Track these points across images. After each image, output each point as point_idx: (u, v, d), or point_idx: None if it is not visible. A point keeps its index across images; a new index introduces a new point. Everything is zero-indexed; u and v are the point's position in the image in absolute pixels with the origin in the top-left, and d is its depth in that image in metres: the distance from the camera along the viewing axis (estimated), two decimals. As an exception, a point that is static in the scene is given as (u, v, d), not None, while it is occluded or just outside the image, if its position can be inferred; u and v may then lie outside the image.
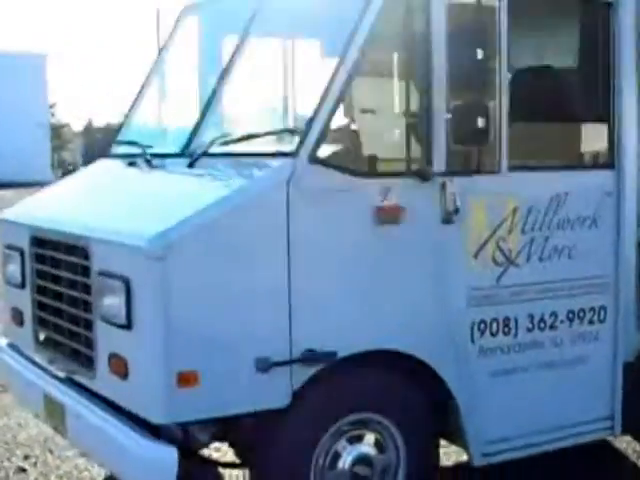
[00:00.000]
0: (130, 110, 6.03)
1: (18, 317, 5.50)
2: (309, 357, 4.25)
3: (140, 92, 6.01)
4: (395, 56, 4.62)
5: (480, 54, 4.34)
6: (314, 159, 4.25)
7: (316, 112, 4.28)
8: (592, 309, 5.15)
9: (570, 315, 5.07)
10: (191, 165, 4.74)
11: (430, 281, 4.62)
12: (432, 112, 4.51)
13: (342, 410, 4.46)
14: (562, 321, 5.05)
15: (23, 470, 5.87)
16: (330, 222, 4.31)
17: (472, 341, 4.77)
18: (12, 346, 5.68)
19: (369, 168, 4.44)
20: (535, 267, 4.92)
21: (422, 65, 4.51)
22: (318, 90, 4.34)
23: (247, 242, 4.12)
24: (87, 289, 4.52)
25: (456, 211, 4.57)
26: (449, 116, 4.45)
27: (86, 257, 4.49)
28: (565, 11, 5.16)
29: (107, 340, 4.38)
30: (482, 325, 4.79)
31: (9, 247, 5.51)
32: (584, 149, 5.30)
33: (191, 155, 4.80)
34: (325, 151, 4.30)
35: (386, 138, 4.65)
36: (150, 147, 5.38)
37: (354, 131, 4.67)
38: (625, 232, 5.19)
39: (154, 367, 4.05)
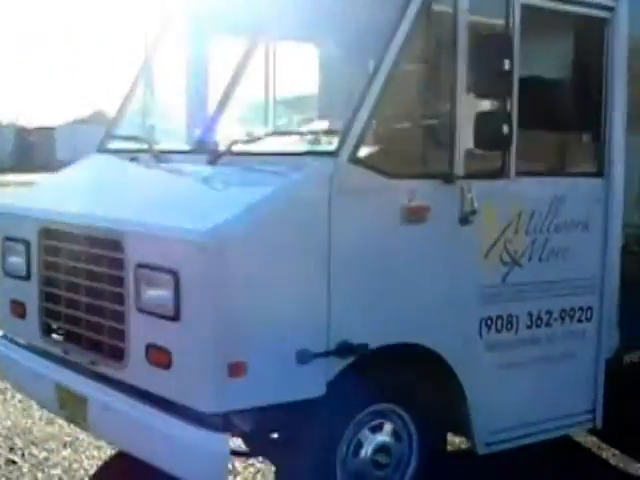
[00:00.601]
0: (121, 107, 6.08)
1: (19, 309, 5.49)
2: (344, 349, 4.43)
3: (131, 90, 6.07)
4: (424, 63, 4.83)
5: (499, 65, 4.61)
6: (353, 159, 4.43)
7: (356, 113, 4.45)
8: (581, 308, 5.49)
9: (562, 313, 5.41)
10: (212, 162, 4.86)
11: (448, 279, 4.86)
12: (455, 118, 4.76)
13: (367, 401, 4.66)
14: (556, 319, 5.38)
15: (13, 462, 5.84)
16: (364, 220, 4.50)
17: (480, 336, 5.04)
18: (5, 337, 5.68)
19: (400, 169, 4.64)
20: (535, 267, 5.22)
21: (447, 73, 4.76)
22: (356, 92, 4.54)
23: (292, 238, 4.27)
24: (118, 281, 4.59)
25: (473, 213, 4.83)
26: (472, 122, 4.70)
27: (118, 250, 4.56)
28: (563, 26, 5.48)
29: (144, 331, 4.45)
30: (489, 321, 5.06)
31: (10, 239, 5.51)
32: (578, 158, 5.64)
33: (210, 152, 4.92)
34: (363, 152, 4.49)
35: (414, 141, 4.85)
36: (155, 143, 5.48)
37: (386, 133, 4.85)
38: (611, 237, 5.56)
39: (205, 358, 4.15)
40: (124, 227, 4.55)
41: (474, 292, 4.98)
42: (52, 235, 5.14)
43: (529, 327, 5.25)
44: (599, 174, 5.52)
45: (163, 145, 5.49)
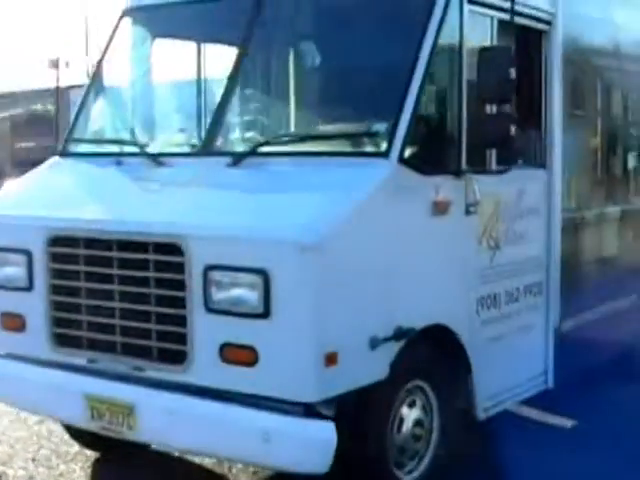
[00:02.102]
0: (80, 111, 6.03)
1: (15, 322, 5.35)
2: (400, 333, 4.81)
3: (88, 94, 6.04)
4: (443, 65, 5.27)
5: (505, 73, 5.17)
6: (400, 159, 4.82)
7: (399, 115, 4.84)
8: (535, 284, 6.19)
9: (525, 289, 6.08)
10: (235, 164, 5.05)
11: (460, 264, 5.37)
12: (462, 117, 5.26)
13: (408, 379, 5.06)
14: (520, 295, 6.04)
15: None
16: (406, 216, 4.91)
17: (478, 314, 5.59)
18: None
19: (428, 166, 5.06)
20: (508, 250, 5.85)
21: (457, 77, 5.25)
22: (395, 93, 4.92)
23: (365, 235, 4.61)
24: (176, 284, 4.67)
25: (475, 204, 5.37)
26: (478, 122, 5.21)
27: (176, 253, 4.64)
28: (508, 36, 6.11)
29: (216, 331, 4.59)
30: (482, 300, 5.62)
31: (3, 250, 5.34)
32: (531, 152, 6.31)
33: (233, 154, 5.10)
34: (406, 152, 4.88)
35: (436, 139, 5.27)
36: (145, 146, 5.55)
37: (418, 132, 5.22)
38: (553, 220, 6.30)
39: (303, 351, 4.38)
40: (186, 231, 4.64)
41: (475, 274, 5.52)
42: (66, 243, 5.08)
43: (506, 303, 5.87)
44: (543, 166, 6.24)
45: (153, 148, 5.57)
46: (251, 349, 4.50)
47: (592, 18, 6.68)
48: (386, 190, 4.73)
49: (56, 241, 5.13)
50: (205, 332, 4.63)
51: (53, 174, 5.77)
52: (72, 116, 6.06)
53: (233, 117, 5.47)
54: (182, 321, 4.70)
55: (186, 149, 5.70)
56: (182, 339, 4.71)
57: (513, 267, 5.93)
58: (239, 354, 4.54)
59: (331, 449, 4.38)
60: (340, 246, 4.46)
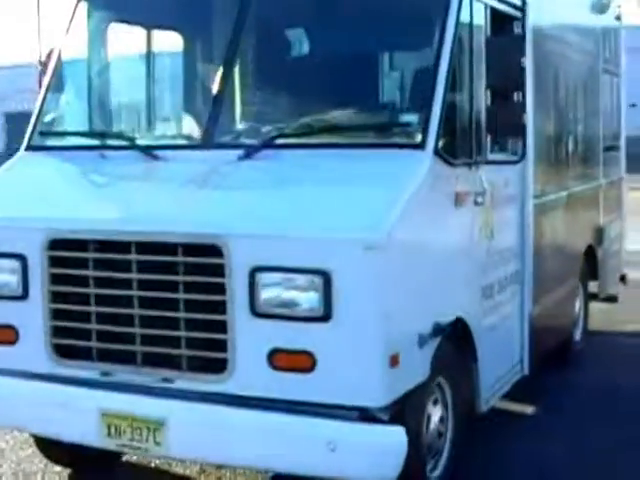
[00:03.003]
0: (43, 102, 5.53)
1: (7, 334, 4.86)
2: (438, 330, 4.70)
3: (51, 85, 5.56)
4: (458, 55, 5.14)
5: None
6: (434, 150, 4.68)
7: (432, 105, 4.69)
8: (516, 272, 6.21)
9: (509, 278, 6.08)
10: (247, 156, 4.77)
11: (471, 255, 5.30)
12: (475, 107, 5.17)
13: (436, 375, 4.94)
14: (506, 283, 6.04)
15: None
16: (439, 208, 4.80)
17: (481, 304, 5.53)
18: None
19: (452, 158, 4.95)
20: (498, 239, 5.82)
21: (468, 66, 5.15)
22: (425, 83, 4.79)
23: (416, 230, 4.48)
24: (215, 288, 4.36)
25: (483, 194, 5.31)
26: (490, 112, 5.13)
27: (215, 255, 4.32)
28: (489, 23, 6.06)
29: (265, 337, 4.31)
30: (484, 290, 5.58)
31: None
32: (512, 146, 6.26)
33: (245, 147, 4.81)
34: (439, 143, 4.74)
35: (455, 130, 5.13)
36: (133, 138, 5.17)
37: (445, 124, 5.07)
38: (527, 207, 6.33)
39: (368, 354, 4.18)
40: (228, 230, 4.33)
41: (480, 265, 5.46)
42: (69, 246, 4.64)
43: (498, 293, 5.86)
44: (520, 159, 6.23)
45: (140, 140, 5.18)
46: (308, 354, 4.25)
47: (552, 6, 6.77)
48: (427, 183, 4.59)
49: (56, 244, 4.68)
50: (251, 338, 4.33)
51: (30, 170, 5.26)
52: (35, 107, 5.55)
53: (235, 107, 5.15)
54: (221, 327, 4.38)
55: (181, 141, 5.30)
56: (221, 346, 4.39)
57: (501, 256, 5.92)
58: (293, 360, 4.28)
59: (402, 454, 4.21)
60: (399, 243, 4.29)
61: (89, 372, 4.71)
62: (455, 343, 5.16)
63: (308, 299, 4.20)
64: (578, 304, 8.18)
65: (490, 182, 5.47)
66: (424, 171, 4.58)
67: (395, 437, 4.22)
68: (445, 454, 5.18)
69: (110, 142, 5.27)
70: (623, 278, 9.83)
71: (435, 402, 5.04)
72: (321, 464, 4.23)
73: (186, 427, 4.47)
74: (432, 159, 4.65)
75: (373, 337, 4.18)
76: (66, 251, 4.67)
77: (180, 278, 4.43)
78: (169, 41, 5.68)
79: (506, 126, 5.15)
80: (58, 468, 5.73)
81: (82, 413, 4.66)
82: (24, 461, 5.87)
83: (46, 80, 5.57)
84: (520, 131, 5.22)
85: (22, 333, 4.84)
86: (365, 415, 4.23)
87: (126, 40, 5.66)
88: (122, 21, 5.89)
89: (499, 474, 5.69)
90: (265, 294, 4.27)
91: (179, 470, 5.73)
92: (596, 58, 8.42)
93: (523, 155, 5.43)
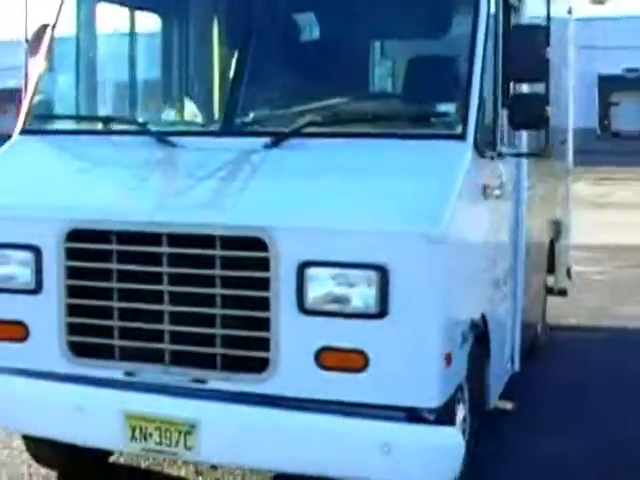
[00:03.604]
0: (37, 83, 5.15)
1: (16, 330, 4.50)
2: (474, 326, 4.59)
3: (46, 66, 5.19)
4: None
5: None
6: (473, 142, 4.54)
7: (469, 96, 4.56)
8: (511, 268, 6.14)
9: (507, 272, 6.01)
10: (275, 144, 4.54)
11: (489, 249, 5.19)
12: (499, 99, 5.05)
13: (464, 374, 4.82)
14: (506, 278, 5.96)
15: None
16: (476, 201, 4.67)
17: (493, 299, 5.42)
18: None
19: (483, 149, 4.82)
20: (503, 233, 5.74)
21: (492, 58, 5.03)
22: (461, 74, 4.66)
23: (465, 223, 4.36)
24: (258, 283, 4.12)
25: (501, 186, 5.21)
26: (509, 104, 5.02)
27: (259, 248, 4.09)
28: None
29: (312, 335, 4.10)
30: (495, 284, 5.48)
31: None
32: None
33: (271, 134, 4.57)
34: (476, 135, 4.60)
35: (483, 121, 4.98)
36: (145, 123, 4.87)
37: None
38: (521, 202, 6.26)
39: (425, 352, 4.02)
40: (274, 222, 4.09)
41: (494, 259, 5.35)
42: (89, 237, 4.33)
43: (502, 287, 5.77)
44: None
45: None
46: (360, 353, 4.05)
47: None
48: (469, 175, 4.46)
49: (75, 235, 4.35)
50: (297, 336, 4.11)
51: (32, 155, 4.88)
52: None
53: (255, 92, 4.86)
54: (263, 324, 4.14)
55: (197, 128, 5.00)
56: (262, 344, 4.16)
57: (504, 250, 5.84)
58: (344, 359, 4.08)
59: (460, 456, 4.08)
60: (454, 236, 4.15)
61: (110, 372, 4.40)
62: (477, 340, 5.07)
63: (362, 295, 4.01)
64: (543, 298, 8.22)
65: (506, 174, 5.39)
66: (467, 163, 4.44)
67: (453, 439, 4.08)
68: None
69: (118, 127, 4.94)
70: (568, 271, 9.96)
71: (459, 401, 4.93)
72: (374, 467, 4.04)
73: (221, 429, 4.21)
74: (472, 150, 4.52)
75: (432, 335, 4.03)
76: (86, 243, 4.35)
77: (217, 272, 4.17)
78: (179, 21, 5.35)
79: (530, 118, 5.05)
80: (44, 470, 5.39)
81: (103, 415, 4.35)
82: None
83: (40, 60, 5.18)
84: (544, 123, 5.13)
85: (33, 329, 4.49)
86: (419, 416, 4.07)
87: (132, 19, 5.31)
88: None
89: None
90: (315, 290, 4.06)
91: (173, 472, 5.46)
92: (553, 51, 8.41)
93: (545, 146, 5.35)
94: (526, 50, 4.92)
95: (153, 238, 4.25)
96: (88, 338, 4.42)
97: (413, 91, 4.87)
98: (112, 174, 4.67)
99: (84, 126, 5.04)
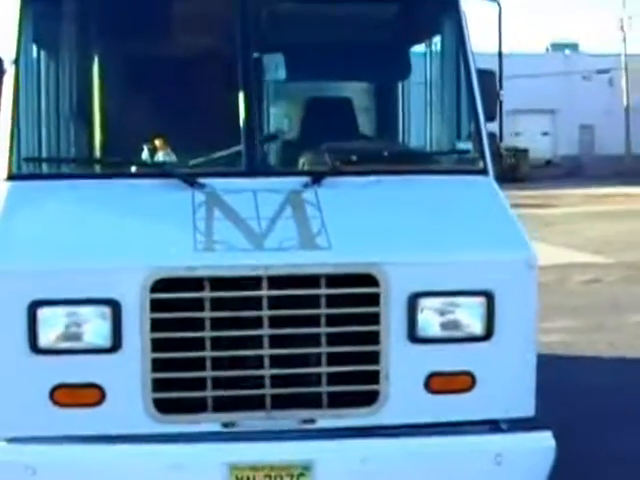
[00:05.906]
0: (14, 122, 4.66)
1: (89, 394, 4.13)
2: None
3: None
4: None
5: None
6: (487, 173, 4.98)
7: (480, 131, 4.98)
8: None
9: None
10: (315, 182, 4.64)
11: None
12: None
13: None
14: None
15: None
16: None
17: None
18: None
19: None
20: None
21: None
22: (468, 112, 5.06)
23: None
24: (367, 318, 4.22)
25: None
26: None
27: (369, 284, 4.19)
28: None
29: (422, 362, 4.29)
30: None
31: (69, 303, 4.06)
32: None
33: (312, 173, 4.67)
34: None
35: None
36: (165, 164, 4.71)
37: None
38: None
39: (525, 367, 4.38)
40: (385, 258, 4.21)
41: None
42: (178, 285, 4.11)
43: None
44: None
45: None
46: (468, 374, 4.33)
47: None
48: (505, 204, 4.86)
49: (163, 284, 4.10)
50: (408, 365, 4.28)
51: (54, 203, 4.41)
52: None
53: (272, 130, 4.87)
54: (372, 358, 4.25)
55: (219, 169, 4.79)
56: (372, 377, 4.26)
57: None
58: (452, 382, 4.33)
59: (553, 455, 4.47)
60: None
61: (205, 425, 4.21)
62: None
63: (471, 320, 4.29)
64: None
65: None
66: (498, 194, 4.87)
67: (548, 441, 4.46)
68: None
69: (127, 169, 4.66)
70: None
71: None
72: (489, 478, 4.34)
73: (337, 466, 4.23)
74: (494, 183, 4.96)
75: (530, 352, 4.41)
76: (175, 292, 4.12)
77: (323, 311, 4.20)
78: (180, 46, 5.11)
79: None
80: None
81: (205, 471, 4.15)
82: None
83: (7, 91, 4.67)
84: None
85: (110, 391, 4.14)
86: (523, 425, 4.42)
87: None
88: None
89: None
90: (425, 319, 4.26)
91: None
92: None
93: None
94: (490, 92, 5.44)
95: (251, 281, 4.16)
96: (176, 393, 4.18)
97: (431, 130, 5.19)
98: (166, 219, 4.41)
99: (87, 169, 4.64)
